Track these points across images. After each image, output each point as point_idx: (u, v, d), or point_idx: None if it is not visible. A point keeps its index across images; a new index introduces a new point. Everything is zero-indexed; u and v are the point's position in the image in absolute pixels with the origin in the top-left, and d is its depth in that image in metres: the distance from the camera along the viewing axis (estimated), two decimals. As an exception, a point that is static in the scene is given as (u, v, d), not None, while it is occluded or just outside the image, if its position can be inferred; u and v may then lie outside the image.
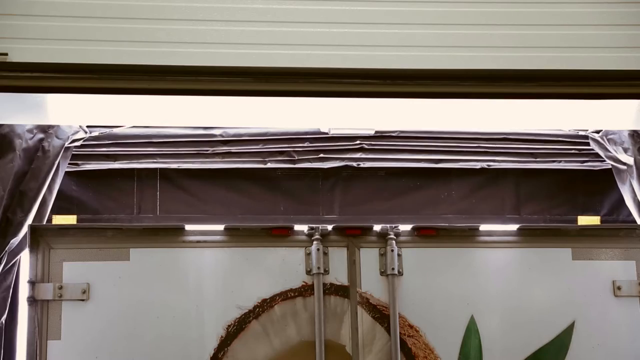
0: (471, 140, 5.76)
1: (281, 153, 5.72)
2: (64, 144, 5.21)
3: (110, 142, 5.52)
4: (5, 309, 5.01)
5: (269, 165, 5.76)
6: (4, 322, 5.00)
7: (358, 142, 5.71)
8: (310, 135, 5.66)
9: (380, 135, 5.67)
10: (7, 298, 5.02)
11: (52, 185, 5.21)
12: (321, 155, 5.73)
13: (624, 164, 5.53)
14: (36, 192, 5.06)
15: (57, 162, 5.17)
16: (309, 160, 5.78)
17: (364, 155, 5.78)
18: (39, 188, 5.07)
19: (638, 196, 5.47)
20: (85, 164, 5.64)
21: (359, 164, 5.89)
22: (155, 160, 5.67)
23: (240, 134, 5.63)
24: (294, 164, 5.78)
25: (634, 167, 5.43)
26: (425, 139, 5.76)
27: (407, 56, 4.23)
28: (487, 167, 5.96)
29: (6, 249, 4.95)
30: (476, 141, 5.77)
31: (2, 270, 4.96)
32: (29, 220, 5.04)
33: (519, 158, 5.87)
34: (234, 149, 5.65)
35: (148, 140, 5.58)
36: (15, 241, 4.97)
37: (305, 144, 5.68)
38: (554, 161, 5.89)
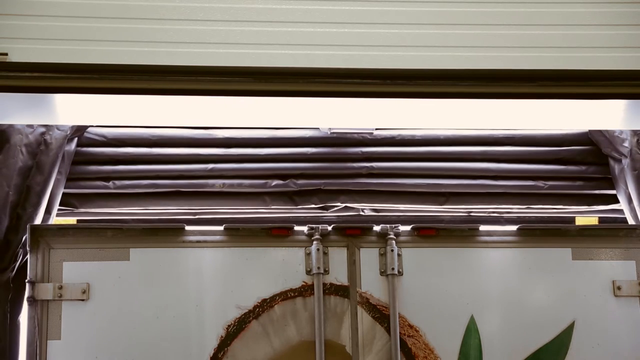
0: (478, 187, 5.72)
1: (282, 178, 5.60)
2: (66, 134, 5.21)
3: (105, 191, 5.48)
4: (22, 306, 4.99)
5: (271, 209, 5.65)
6: (20, 320, 4.98)
7: (362, 164, 5.66)
8: (310, 141, 5.65)
9: (383, 172, 5.65)
10: (24, 295, 5.01)
11: (60, 178, 5.20)
12: (321, 186, 5.62)
13: (620, 153, 5.53)
14: (43, 186, 5.07)
15: (61, 154, 5.17)
16: (311, 199, 5.63)
17: (366, 187, 5.66)
18: (46, 182, 5.08)
19: (629, 188, 5.47)
20: (81, 211, 5.56)
21: (363, 210, 5.79)
22: (153, 195, 5.59)
23: (240, 136, 5.61)
24: (296, 204, 5.65)
25: (629, 158, 5.44)
26: (430, 178, 5.71)
27: (407, 56, 4.23)
28: (490, 215, 5.86)
29: (20, 245, 4.95)
30: (483, 187, 5.72)
31: (18, 266, 4.95)
32: (40, 214, 5.05)
33: (523, 199, 5.82)
34: (231, 158, 5.60)
35: (143, 175, 5.53)
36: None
37: (308, 153, 5.63)
38: (560, 206, 5.84)
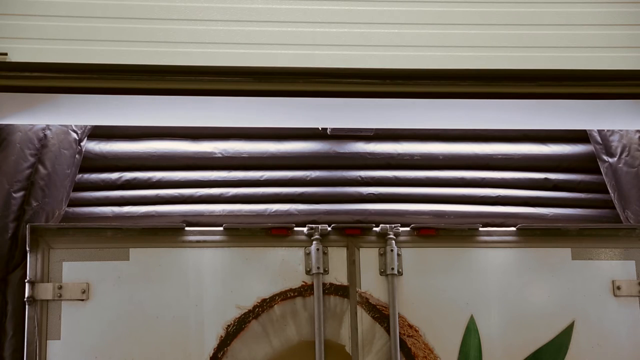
0: (482, 214, 5.56)
1: (282, 202, 5.55)
2: (67, 129, 5.19)
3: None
4: None
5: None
6: None
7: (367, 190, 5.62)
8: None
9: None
10: None
11: (64, 172, 5.18)
12: (322, 213, 5.49)
13: (611, 154, 5.51)
14: (48, 181, 5.06)
15: (64, 149, 5.14)
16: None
17: (367, 217, 5.52)
18: (49, 176, 5.06)
19: (620, 187, 5.46)
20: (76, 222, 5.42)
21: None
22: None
23: (240, 152, 5.59)
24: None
25: (629, 156, 5.43)
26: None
27: (407, 56, 4.24)
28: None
29: None
30: (488, 216, 5.56)
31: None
32: (46, 209, 5.02)
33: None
34: (233, 183, 5.55)
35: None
36: None
37: (307, 178, 5.60)
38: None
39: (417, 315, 4.90)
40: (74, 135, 5.20)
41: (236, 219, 5.35)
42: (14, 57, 4.02)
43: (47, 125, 5.12)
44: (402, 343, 4.84)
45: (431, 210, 5.53)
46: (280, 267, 4.89)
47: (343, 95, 4.26)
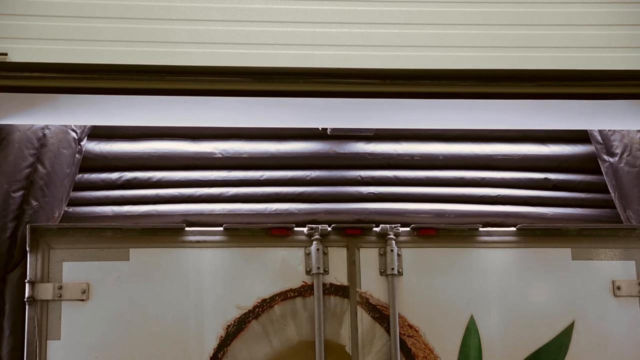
0: (481, 214, 5.57)
1: (282, 201, 5.55)
2: (67, 128, 5.18)
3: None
4: None
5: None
6: None
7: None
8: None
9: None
10: None
11: (64, 171, 5.17)
12: (322, 212, 5.49)
13: (612, 154, 5.50)
14: (47, 181, 5.05)
15: (63, 148, 5.14)
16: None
17: (367, 217, 5.51)
18: (49, 176, 5.06)
19: (621, 186, 5.45)
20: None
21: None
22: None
23: (240, 153, 5.59)
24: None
25: (630, 156, 5.42)
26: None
27: (407, 56, 4.23)
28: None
29: None
30: (488, 215, 5.55)
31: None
32: (46, 208, 5.02)
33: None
34: (233, 182, 5.55)
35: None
36: None
37: (307, 177, 5.60)
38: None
39: (417, 315, 4.90)
40: (73, 134, 5.19)
41: (236, 218, 5.36)
42: (14, 57, 4.02)
43: (46, 125, 5.12)
44: (402, 343, 4.84)
45: (431, 210, 5.54)
46: (280, 267, 4.90)
47: (343, 95, 4.26)
